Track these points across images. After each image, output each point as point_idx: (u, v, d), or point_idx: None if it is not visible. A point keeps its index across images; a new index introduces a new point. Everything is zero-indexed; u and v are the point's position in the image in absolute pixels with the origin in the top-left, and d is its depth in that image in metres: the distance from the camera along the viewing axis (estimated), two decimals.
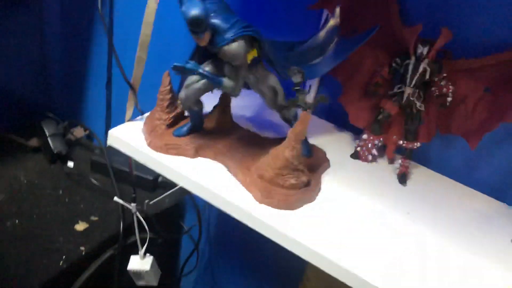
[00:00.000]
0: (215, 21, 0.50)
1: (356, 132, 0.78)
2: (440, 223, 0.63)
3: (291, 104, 0.59)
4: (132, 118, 0.70)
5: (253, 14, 0.88)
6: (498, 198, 0.72)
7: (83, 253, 0.86)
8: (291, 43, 0.65)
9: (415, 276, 0.53)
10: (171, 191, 0.82)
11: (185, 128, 0.64)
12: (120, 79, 0.69)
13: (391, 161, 0.75)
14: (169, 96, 0.63)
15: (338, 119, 0.80)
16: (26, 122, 1.18)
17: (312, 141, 0.73)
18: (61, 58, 1.23)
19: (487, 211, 0.69)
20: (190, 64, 0.53)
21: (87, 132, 1.22)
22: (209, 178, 0.60)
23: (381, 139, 0.73)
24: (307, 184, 0.60)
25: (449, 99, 0.67)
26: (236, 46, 0.50)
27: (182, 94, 0.58)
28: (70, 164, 1.12)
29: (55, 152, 1.10)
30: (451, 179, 0.75)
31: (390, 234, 0.58)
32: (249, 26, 0.51)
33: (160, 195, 0.95)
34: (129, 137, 0.65)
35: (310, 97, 0.86)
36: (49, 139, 1.10)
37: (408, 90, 0.68)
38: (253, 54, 0.55)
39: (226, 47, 0.50)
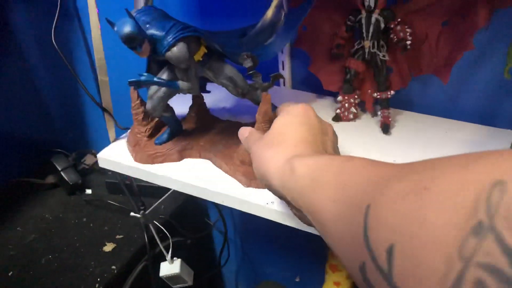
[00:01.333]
0: (151, 31, 0.51)
1: (337, 96, 0.80)
2: None
3: (251, 89, 0.61)
4: (118, 136, 0.73)
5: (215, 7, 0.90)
6: (487, 123, 0.72)
7: (116, 271, 0.91)
8: (242, 29, 0.67)
9: None
10: (164, 197, 0.86)
11: (165, 135, 0.66)
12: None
13: (374, 114, 0.76)
14: (141, 109, 0.66)
15: (318, 88, 0.82)
16: (38, 163, 1.24)
17: None
18: (55, 94, 1.28)
19: (476, 138, 0.69)
20: (144, 76, 0.55)
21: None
22: (196, 176, 0.63)
23: (356, 96, 0.74)
24: None
25: (408, 42, 0.67)
26: (177, 50, 0.52)
27: (149, 105, 0.60)
28: (88, 191, 1.18)
29: (71, 184, 1.16)
30: (437, 117, 0.75)
31: None
32: (186, 27, 0.53)
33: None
34: (116, 156, 0.69)
35: (286, 73, 0.88)
36: (62, 173, 1.16)
37: (367, 44, 0.69)
38: (202, 51, 0.57)
39: (168, 53, 0.52)
